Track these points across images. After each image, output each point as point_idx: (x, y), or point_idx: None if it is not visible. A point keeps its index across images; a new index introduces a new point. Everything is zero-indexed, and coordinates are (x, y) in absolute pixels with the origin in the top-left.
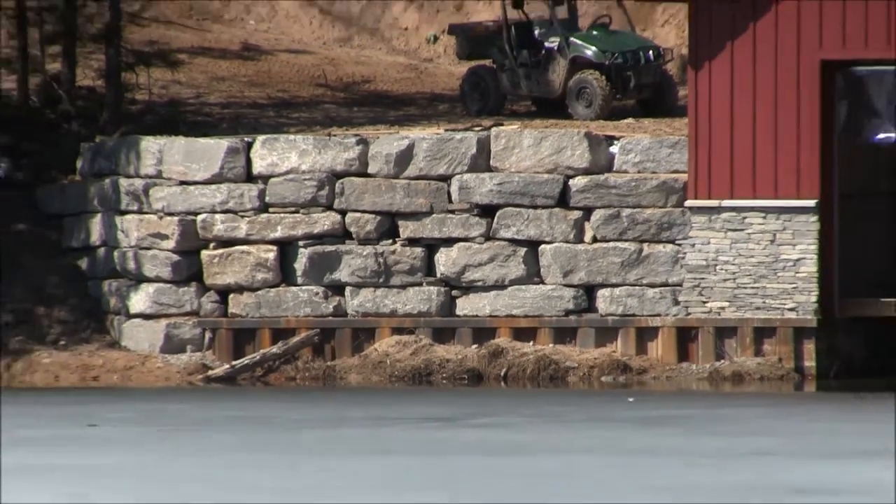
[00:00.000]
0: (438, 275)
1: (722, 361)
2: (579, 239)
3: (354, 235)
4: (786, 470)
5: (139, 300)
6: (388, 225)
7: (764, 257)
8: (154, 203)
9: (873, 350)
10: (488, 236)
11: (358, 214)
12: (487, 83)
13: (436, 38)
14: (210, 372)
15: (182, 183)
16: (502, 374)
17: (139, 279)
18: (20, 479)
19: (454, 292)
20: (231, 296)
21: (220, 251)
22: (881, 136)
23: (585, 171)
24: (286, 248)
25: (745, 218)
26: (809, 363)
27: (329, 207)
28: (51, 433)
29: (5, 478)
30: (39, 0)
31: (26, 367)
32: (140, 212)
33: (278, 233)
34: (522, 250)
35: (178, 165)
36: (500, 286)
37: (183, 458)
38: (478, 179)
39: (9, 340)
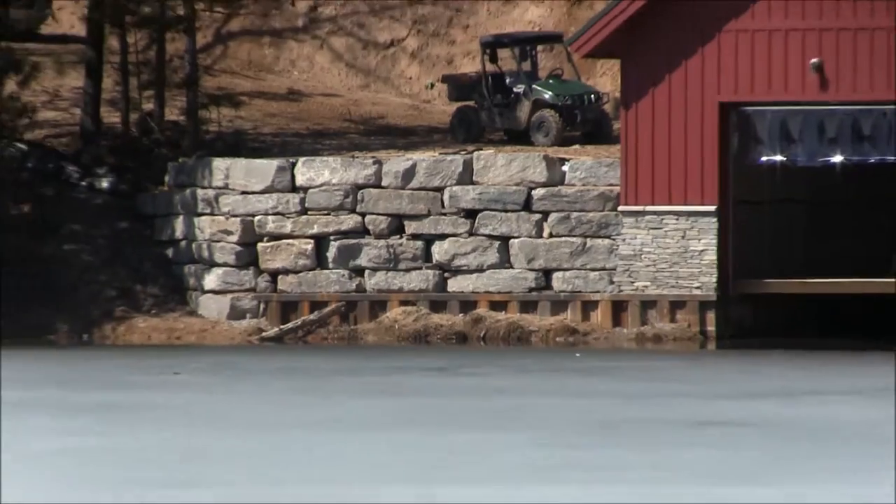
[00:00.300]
0: (434, 261)
1: (645, 326)
2: (539, 234)
3: (371, 232)
4: (694, 407)
5: (211, 280)
6: (397, 224)
7: (677, 249)
8: (222, 207)
9: (758, 318)
10: (471, 233)
11: (374, 216)
12: (471, 119)
13: (433, 85)
14: (263, 333)
15: (243, 193)
16: (482, 335)
17: (211, 264)
18: (122, 414)
19: (446, 274)
20: (279, 276)
21: (271, 244)
22: (764, 158)
23: (544, 184)
24: (320, 241)
25: (662, 219)
26: (711, 328)
27: (352, 211)
28: (145, 379)
29: (118, 413)
30: (137, 56)
31: (127, 330)
32: (212, 214)
33: (314, 230)
34: (497, 243)
35: (240, 180)
36: (480, 270)
37: (242, 398)
38: (463, 190)
39: (114, 310)
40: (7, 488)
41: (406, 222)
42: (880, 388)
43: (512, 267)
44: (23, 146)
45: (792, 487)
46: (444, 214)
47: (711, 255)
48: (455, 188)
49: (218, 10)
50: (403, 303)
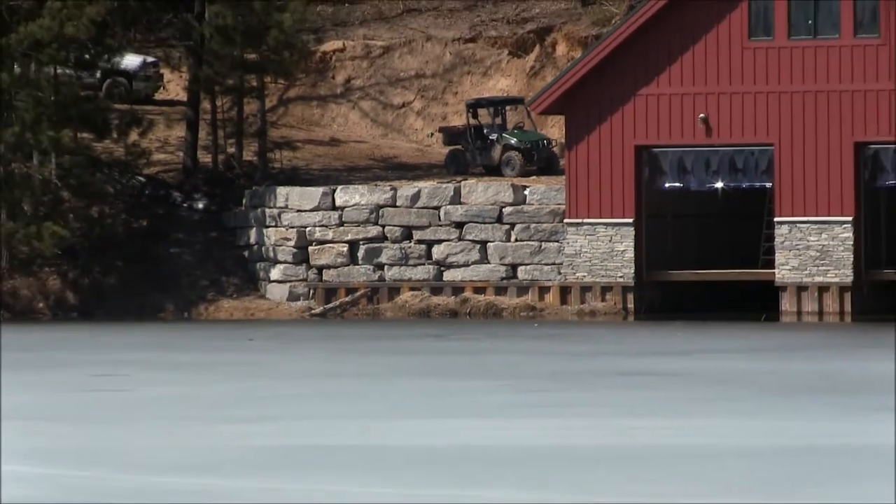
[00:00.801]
0: (433, 259)
1: (584, 305)
2: (508, 240)
3: (389, 238)
4: (620, 363)
5: (275, 273)
6: (407, 233)
7: (605, 249)
8: (283, 221)
9: (665, 298)
10: (460, 238)
11: (391, 227)
12: (459, 158)
13: (432, 134)
14: (312, 311)
15: (298, 211)
16: (467, 312)
17: (275, 262)
18: (207, 372)
19: (442, 268)
20: (323, 270)
21: (318, 247)
22: (667, 185)
23: (511, 204)
24: (353, 245)
25: (595, 228)
26: (630, 306)
27: (375, 223)
28: (229, 344)
29: (209, 367)
30: (223, 114)
31: (216, 309)
32: (276, 226)
33: (349, 237)
34: (478, 246)
35: (295, 202)
36: (466, 265)
37: (297, 357)
38: (454, 208)
39: (206, 295)
40: (135, 422)
41: (414, 231)
42: (754, 348)
43: (489, 263)
44: (142, 178)
45: (689, 420)
46: (441, 226)
47: (630, 254)
48: (448, 207)
49: (280, 81)
50: (412, 289)
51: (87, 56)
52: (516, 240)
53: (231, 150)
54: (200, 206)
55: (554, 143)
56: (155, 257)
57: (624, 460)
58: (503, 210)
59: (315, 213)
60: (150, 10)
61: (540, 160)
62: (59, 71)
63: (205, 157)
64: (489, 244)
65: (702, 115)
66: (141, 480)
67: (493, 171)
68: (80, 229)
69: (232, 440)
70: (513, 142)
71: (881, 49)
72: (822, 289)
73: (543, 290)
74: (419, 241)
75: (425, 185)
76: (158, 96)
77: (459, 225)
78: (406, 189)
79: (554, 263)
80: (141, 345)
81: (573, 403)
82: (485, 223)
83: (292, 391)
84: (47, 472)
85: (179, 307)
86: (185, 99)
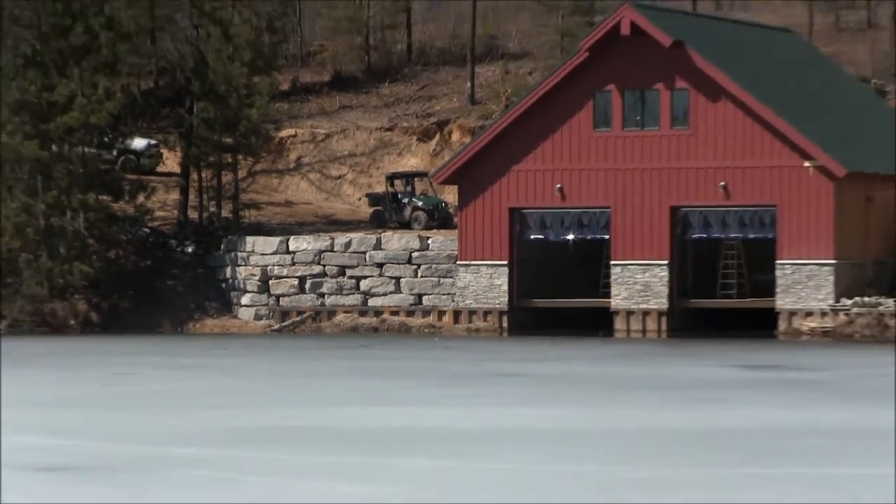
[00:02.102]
0: (361, 290)
1: (471, 324)
2: (416, 276)
3: (328, 274)
4: (500, 363)
5: (245, 299)
6: (342, 271)
7: (487, 284)
8: (250, 262)
9: (531, 320)
10: (380, 275)
11: (330, 266)
12: (380, 217)
13: (360, 199)
14: (272, 328)
15: (261, 254)
16: (385, 329)
17: (245, 291)
18: (198, 369)
19: (367, 297)
20: (280, 297)
21: (276, 280)
22: (532, 236)
23: (418, 250)
24: (302, 279)
25: (479, 268)
26: (505, 325)
27: (318, 263)
28: (210, 351)
29: (196, 369)
30: (207, 182)
31: (200, 326)
32: (245, 265)
33: (299, 273)
34: (394, 280)
35: (260, 247)
36: (385, 294)
37: (262, 361)
38: (376, 252)
39: (194, 315)
40: (142, 408)
41: (346, 269)
42: (595, 356)
43: (401, 293)
44: (147, 230)
45: (547, 409)
46: (366, 265)
47: (504, 287)
48: (372, 252)
49: (249, 159)
50: (345, 312)
51: (106, 139)
52: (421, 276)
53: (213, 209)
54: (190, 250)
55: (449, 206)
56: (156, 288)
57: (507, 437)
58: (412, 254)
59: (274, 255)
60: (153, 105)
61: (439, 218)
62: (85, 150)
63: (193, 215)
64: (402, 279)
65: (558, 185)
66: (145, 450)
67: (405, 225)
68: (100, 267)
69: (211, 423)
70: (419, 204)
71: (690, 138)
72: (646, 313)
73: (441, 313)
74: (350, 277)
75: (355, 236)
76: (159, 169)
77: (380, 265)
78: (341, 238)
79: (449, 293)
80: (146, 352)
81: (470, 396)
82: (398, 264)
83: (256, 386)
84: (76, 443)
85: (174, 324)
86: (178, 171)
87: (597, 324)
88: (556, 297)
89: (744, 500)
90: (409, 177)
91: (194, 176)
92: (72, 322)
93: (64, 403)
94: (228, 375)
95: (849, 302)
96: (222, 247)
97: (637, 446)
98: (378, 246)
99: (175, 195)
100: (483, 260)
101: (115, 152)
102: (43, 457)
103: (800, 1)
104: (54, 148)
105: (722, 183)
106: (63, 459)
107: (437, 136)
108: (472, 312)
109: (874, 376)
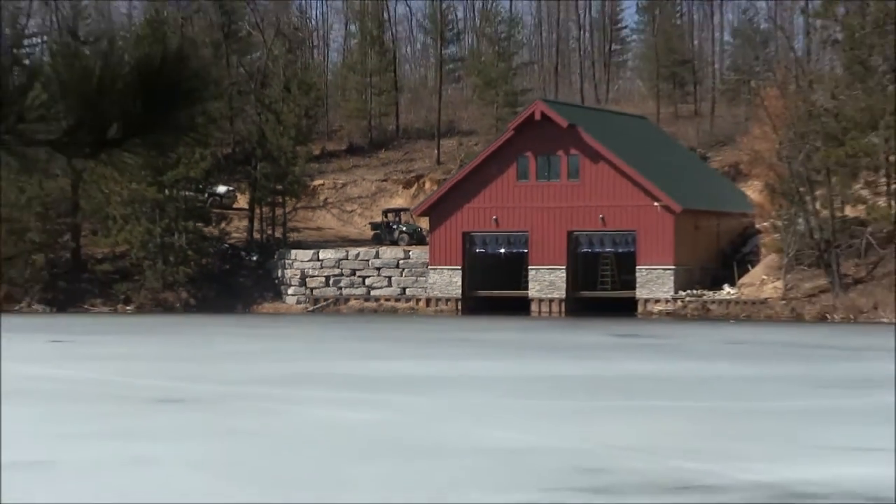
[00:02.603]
0: (366, 285)
1: (437, 307)
2: (401, 276)
3: (344, 274)
4: (458, 333)
5: (290, 290)
6: (353, 272)
7: (447, 281)
8: (294, 266)
9: (477, 305)
10: (378, 275)
11: (346, 269)
12: (378, 237)
13: (366, 225)
14: (307, 309)
15: (301, 261)
16: (382, 310)
17: (290, 285)
18: (259, 336)
19: (370, 289)
20: (313, 290)
21: (310, 278)
22: (478, 250)
23: (403, 259)
24: (327, 278)
25: (443, 270)
26: (460, 308)
27: (338, 267)
28: (268, 323)
29: (256, 337)
30: (264, 215)
31: (262, 308)
32: (290, 268)
33: (325, 274)
34: (387, 278)
35: (300, 257)
36: (381, 287)
37: (299, 328)
38: (376, 260)
39: (258, 301)
40: (226, 361)
41: (356, 271)
42: (519, 328)
43: (392, 287)
44: (226, 245)
45: (496, 362)
46: (369, 269)
47: (459, 283)
48: (373, 260)
49: (293, 199)
50: (355, 299)
51: (200, 186)
52: (405, 276)
53: (269, 232)
54: (254, 259)
55: (424, 230)
56: (232, 283)
57: (462, 381)
58: (399, 262)
59: (309, 262)
60: (231, 165)
61: (417, 238)
62: (187, 193)
63: (256, 236)
64: (392, 278)
65: (494, 217)
66: (227, 389)
67: (394, 243)
68: (196, 270)
69: (270, 369)
70: (404, 230)
71: (579, 186)
72: (551, 300)
73: (418, 300)
74: (359, 276)
75: (362, 249)
76: (234, 206)
77: (378, 269)
78: (353, 251)
79: (423, 287)
80: (225, 324)
81: (436, 353)
82: (390, 268)
83: (297, 346)
84: (182, 384)
85: (244, 306)
86: (247, 207)
87: (519, 307)
88: (493, 289)
89: (609, 423)
90: (397, 212)
91: (257, 210)
92: (177, 305)
93: (172, 358)
94: (278, 339)
95: (683, 293)
96: (275, 256)
97: (546, 386)
98: (377, 256)
99: (245, 223)
100: (445, 265)
101: (206, 195)
102: (160, 393)
103: (650, 98)
104: (167, 192)
105: (601, 216)
106: (174, 395)
107: (416, 185)
108: (438, 299)
109: (700, 342)
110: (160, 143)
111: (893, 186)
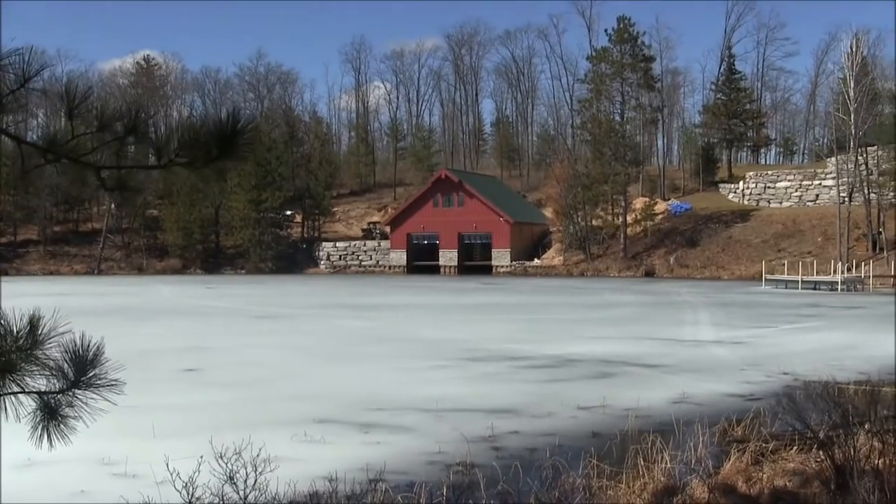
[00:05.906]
0: (360, 260)
1: (392, 272)
2: (376, 255)
3: (349, 254)
4: (404, 283)
5: (322, 263)
6: (355, 254)
7: (399, 257)
8: (323, 250)
9: (416, 270)
10: (367, 255)
11: (350, 252)
12: (367, 236)
13: (362, 230)
14: (331, 272)
15: (327, 249)
16: (368, 273)
17: (321, 260)
18: (301, 291)
19: (363, 263)
20: (335, 263)
21: (332, 256)
22: (415, 242)
23: (378, 247)
24: (342, 256)
25: (398, 252)
26: (407, 271)
27: (346, 251)
28: (311, 280)
29: (295, 294)
30: (308, 224)
31: (306, 272)
32: (322, 251)
33: (339, 254)
34: (370, 256)
35: (327, 245)
36: (369, 262)
37: (326, 284)
38: (365, 247)
39: (303, 268)
40: (290, 296)
41: (357, 253)
42: (435, 280)
43: (372, 261)
44: (291, 240)
45: (426, 297)
46: (362, 252)
47: (405, 258)
48: (364, 247)
49: (322, 216)
50: (356, 268)
51: (277, 210)
52: (380, 255)
53: (311, 233)
54: (304, 247)
55: (388, 232)
56: (291, 259)
57: (417, 308)
58: (376, 248)
59: (331, 248)
60: (294, 200)
61: (385, 236)
62: (270, 214)
63: (305, 235)
64: (373, 256)
65: (422, 225)
66: (286, 310)
67: (374, 239)
68: (273, 253)
69: (308, 300)
70: (378, 232)
71: (464, 211)
72: (451, 266)
73: (388, 267)
74: (356, 255)
75: (359, 242)
76: (295, 220)
77: (367, 252)
78: (353, 243)
79: (388, 261)
80: (292, 280)
81: (396, 293)
82: (371, 251)
83: (327, 289)
84: (267, 306)
85: (298, 271)
86: (301, 221)
87: (435, 270)
88: (422, 261)
89: (478, 327)
90: (375, 223)
91: (306, 223)
92: (266, 270)
93: (266, 296)
94: (319, 286)
95: (515, 263)
96: (314, 245)
97: (449, 308)
98: (365, 245)
99: (299, 229)
100: (399, 249)
101: (279, 214)
102: (262, 312)
103: (497, 167)
104: (262, 214)
105: (474, 225)
106: (269, 313)
107: (384, 210)
108: (395, 266)
109: (522, 286)
110: (222, 168)
111: (616, 210)
